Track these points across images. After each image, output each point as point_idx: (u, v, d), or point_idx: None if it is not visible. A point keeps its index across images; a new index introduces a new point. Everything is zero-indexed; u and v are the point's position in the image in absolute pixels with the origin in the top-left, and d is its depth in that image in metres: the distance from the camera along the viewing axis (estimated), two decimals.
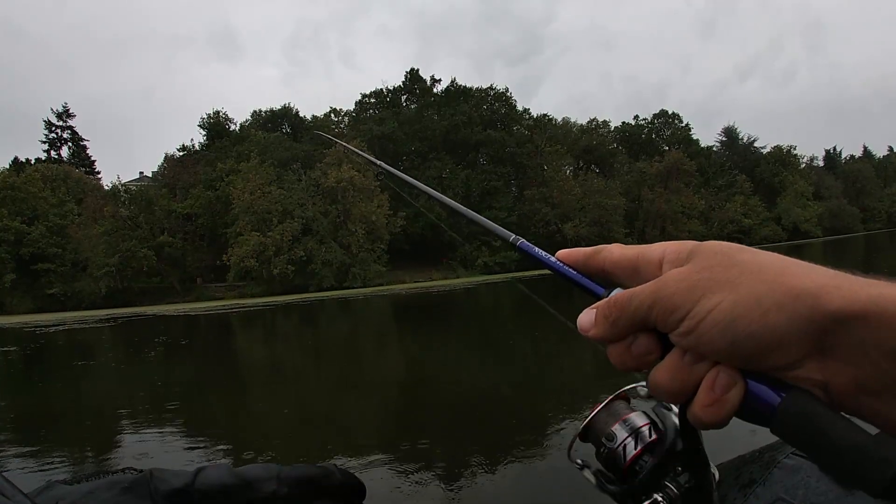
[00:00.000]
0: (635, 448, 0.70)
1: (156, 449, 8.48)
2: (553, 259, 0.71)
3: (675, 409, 0.69)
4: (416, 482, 6.44)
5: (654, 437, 0.70)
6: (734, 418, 0.53)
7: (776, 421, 0.50)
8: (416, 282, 65.90)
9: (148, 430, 9.82)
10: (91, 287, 62.04)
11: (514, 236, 0.85)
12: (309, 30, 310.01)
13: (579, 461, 0.76)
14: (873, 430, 0.47)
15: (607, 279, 0.65)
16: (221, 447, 8.56)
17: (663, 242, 0.62)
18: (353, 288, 62.10)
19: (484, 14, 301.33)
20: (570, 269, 0.68)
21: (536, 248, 0.75)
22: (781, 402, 0.50)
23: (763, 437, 0.60)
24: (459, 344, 18.09)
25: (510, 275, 65.30)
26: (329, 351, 19.31)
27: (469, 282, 58.70)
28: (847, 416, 0.49)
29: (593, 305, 0.62)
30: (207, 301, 60.54)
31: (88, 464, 8.32)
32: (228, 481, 0.75)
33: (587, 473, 0.75)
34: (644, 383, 0.67)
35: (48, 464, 8.07)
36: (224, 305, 51.50)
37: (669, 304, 0.54)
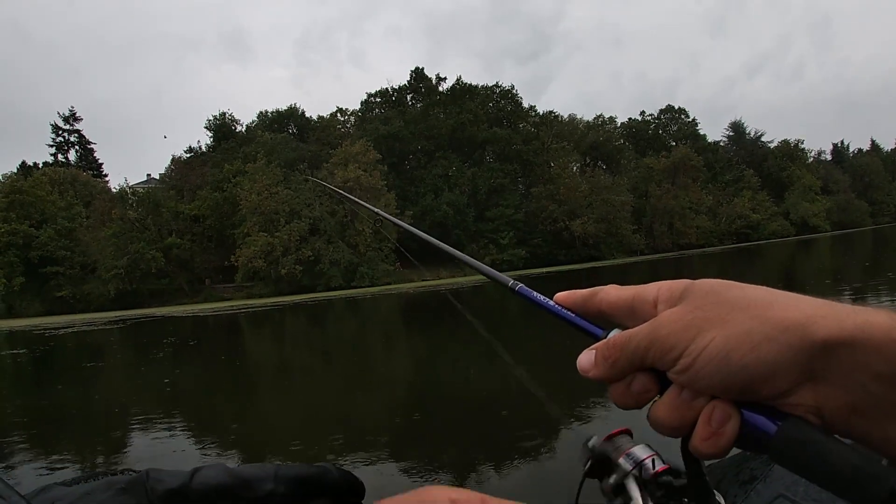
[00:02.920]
0: (640, 481, 0.72)
1: (163, 449, 8.47)
2: (551, 303, 0.72)
3: None
4: (419, 481, 6.40)
5: (657, 467, 0.72)
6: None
7: (773, 448, 0.52)
8: (423, 280, 65.81)
9: (156, 431, 9.81)
10: (100, 289, 62.34)
11: (512, 281, 0.85)
12: (319, 30, 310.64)
13: None
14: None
15: (605, 320, 0.67)
16: (228, 447, 8.54)
17: (657, 283, 0.64)
18: (362, 287, 62.11)
19: (493, 13, 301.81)
20: (569, 312, 0.70)
21: (535, 293, 0.76)
22: (777, 430, 0.52)
23: None
24: (467, 342, 18.03)
25: (517, 272, 65.22)
26: (336, 350, 19.28)
27: (477, 280, 58.40)
28: (840, 438, 0.51)
29: (592, 346, 0.64)
30: (216, 302, 60.67)
31: (95, 465, 8.31)
32: (225, 481, 0.75)
33: None
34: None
35: (55, 465, 8.06)
36: (232, 306, 51.52)
37: (666, 344, 0.56)
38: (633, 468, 0.72)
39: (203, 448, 8.55)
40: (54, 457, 8.57)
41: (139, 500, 0.72)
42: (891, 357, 0.47)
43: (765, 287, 0.56)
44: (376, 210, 1.66)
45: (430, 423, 9.33)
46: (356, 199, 2.14)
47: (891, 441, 0.49)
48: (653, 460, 0.73)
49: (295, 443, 8.63)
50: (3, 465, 8.28)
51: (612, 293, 0.67)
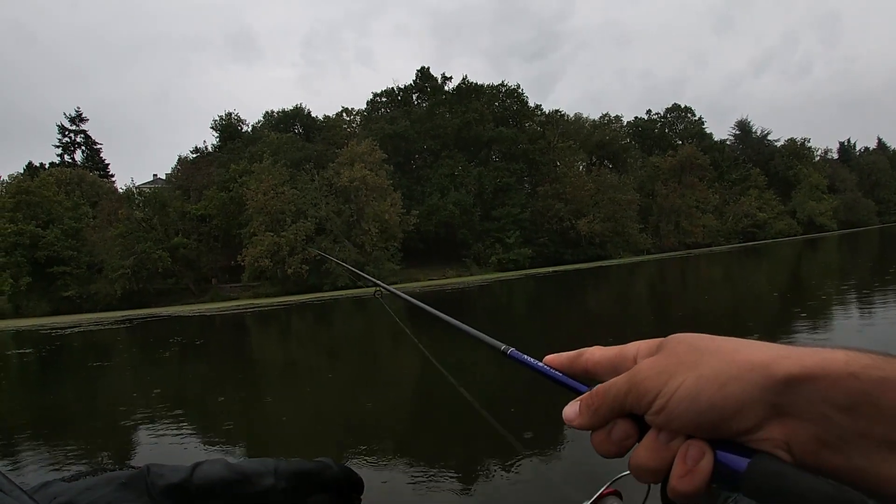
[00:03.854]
0: None
1: (168, 447, 8.46)
2: (541, 364, 0.76)
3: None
4: (421, 478, 6.38)
5: None
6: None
7: (746, 483, 0.54)
8: (429, 280, 65.85)
9: (161, 430, 9.80)
10: (106, 289, 62.46)
11: (504, 346, 0.90)
12: (326, 30, 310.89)
13: None
14: None
15: (590, 379, 0.71)
16: (232, 444, 8.53)
17: (637, 342, 0.68)
18: (368, 287, 62.10)
19: (500, 11, 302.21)
20: (557, 373, 0.74)
21: (525, 356, 0.80)
22: (748, 466, 0.54)
23: None
24: (473, 342, 17.98)
25: (523, 272, 65.18)
26: (342, 349, 19.27)
27: (483, 279, 58.59)
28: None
29: (576, 399, 0.69)
30: (222, 301, 60.75)
31: (100, 462, 8.30)
32: (226, 476, 0.75)
33: None
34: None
35: (60, 463, 8.06)
36: (239, 305, 51.57)
37: (642, 388, 0.60)
38: None
39: (207, 445, 8.54)
40: (59, 455, 8.57)
41: (140, 495, 0.72)
42: (849, 389, 0.51)
43: (734, 338, 0.60)
44: (375, 281, 1.67)
45: (433, 420, 9.31)
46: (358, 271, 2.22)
47: (859, 471, 0.51)
48: None
49: (298, 440, 8.62)
50: (8, 462, 8.29)
51: (595, 353, 0.71)
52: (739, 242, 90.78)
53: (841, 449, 0.52)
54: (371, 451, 7.47)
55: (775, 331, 12.90)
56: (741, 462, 0.55)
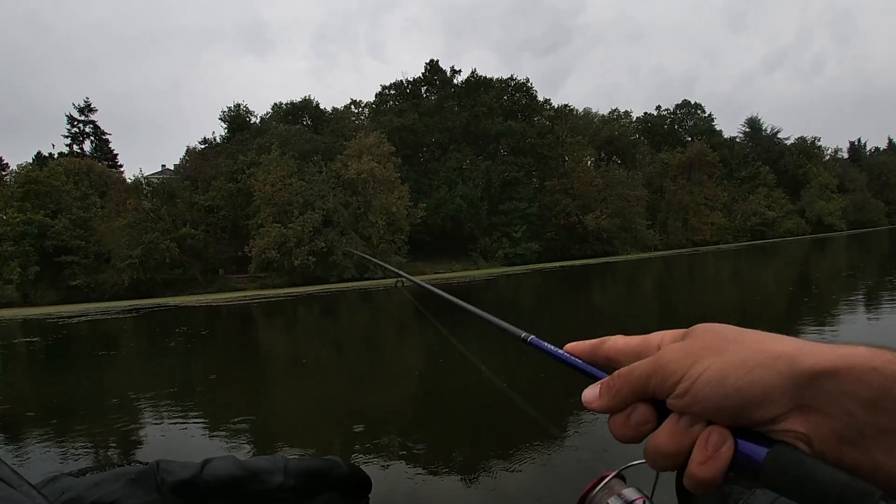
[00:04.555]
0: None
1: (174, 439, 8.46)
2: (561, 352, 0.76)
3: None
4: (428, 475, 6.36)
5: None
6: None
7: (764, 473, 0.54)
8: (436, 273, 65.83)
9: (167, 421, 9.81)
10: (114, 278, 62.58)
11: (524, 333, 0.89)
12: (338, 22, 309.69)
13: None
14: None
15: (611, 366, 0.70)
16: (238, 437, 8.51)
17: (662, 331, 0.68)
18: (374, 279, 62.15)
19: (513, 5, 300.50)
20: (578, 360, 0.73)
21: (546, 344, 0.80)
22: (767, 455, 0.54)
23: None
24: (479, 335, 17.99)
25: (530, 266, 65.13)
26: (348, 342, 19.28)
27: (489, 273, 58.57)
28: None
29: (597, 382, 0.68)
30: (229, 292, 60.78)
31: (106, 453, 8.30)
32: (235, 473, 0.75)
33: None
34: (641, 460, 0.71)
35: (66, 453, 8.06)
36: (246, 296, 51.64)
37: (667, 370, 0.59)
38: None
39: (214, 438, 8.53)
40: (65, 446, 8.56)
41: (149, 491, 0.73)
42: (872, 384, 0.50)
43: (759, 330, 0.59)
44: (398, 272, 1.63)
45: (441, 416, 9.29)
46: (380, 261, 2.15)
47: (879, 467, 0.51)
48: (644, 502, 0.75)
49: (305, 434, 8.61)
50: (15, 453, 8.29)
51: (619, 342, 0.71)
52: (748, 241, 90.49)
53: (861, 444, 0.52)
54: (378, 446, 7.45)
55: (783, 330, 12.84)
56: (761, 451, 0.55)
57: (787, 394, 0.53)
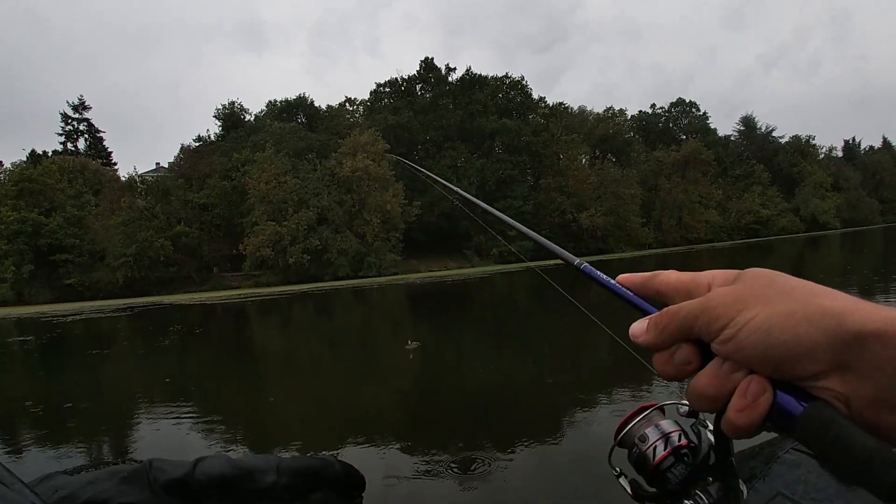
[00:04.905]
0: (664, 449, 0.79)
1: (168, 437, 8.47)
2: (613, 282, 0.76)
3: (711, 425, 0.77)
4: (423, 474, 6.38)
5: (682, 441, 0.79)
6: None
7: (798, 427, 0.54)
8: (430, 271, 65.86)
9: (161, 419, 9.81)
10: (108, 277, 62.53)
11: (577, 260, 0.90)
12: (335, 19, 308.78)
13: (616, 469, 0.83)
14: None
15: (661, 301, 0.70)
16: (232, 436, 8.53)
17: (713, 270, 0.68)
18: (369, 277, 62.18)
19: (510, 2, 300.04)
20: (628, 292, 0.74)
21: (599, 273, 0.81)
22: (804, 410, 0.54)
23: (763, 434, 0.59)
24: (474, 334, 18.03)
25: (526, 264, 65.23)
26: (343, 340, 19.29)
27: (484, 271, 58.65)
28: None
29: (645, 317, 0.69)
30: (224, 290, 60.80)
31: (100, 452, 8.31)
32: (228, 472, 0.75)
33: (623, 482, 0.83)
34: (684, 401, 0.77)
35: (60, 452, 8.06)
36: (240, 294, 51.66)
37: (714, 314, 0.59)
38: (660, 438, 0.80)
39: (208, 436, 8.53)
40: (59, 444, 8.57)
41: (142, 489, 0.72)
42: None
43: (811, 282, 0.59)
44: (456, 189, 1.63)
45: (436, 413, 9.31)
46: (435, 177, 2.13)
47: None
48: (679, 435, 0.80)
49: (300, 432, 8.62)
50: (8, 451, 8.29)
51: (671, 276, 0.71)
52: (742, 239, 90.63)
53: None
54: (372, 444, 7.48)
55: None
56: (798, 406, 0.55)
57: (830, 352, 0.53)
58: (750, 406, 0.57)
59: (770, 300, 0.58)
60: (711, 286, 0.66)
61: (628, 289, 0.74)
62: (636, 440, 0.83)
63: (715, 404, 0.61)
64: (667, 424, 0.81)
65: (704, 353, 0.62)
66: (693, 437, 0.81)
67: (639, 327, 0.68)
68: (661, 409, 0.86)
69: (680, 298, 0.67)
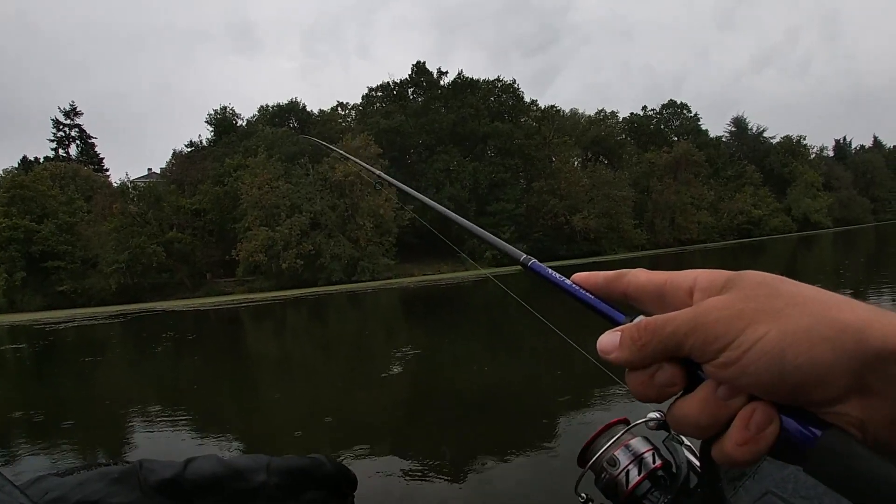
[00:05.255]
0: (638, 474, 0.70)
1: (161, 442, 8.45)
2: (568, 282, 0.66)
3: (687, 441, 0.72)
4: (415, 475, 6.38)
5: (657, 462, 0.70)
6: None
7: (811, 459, 0.47)
8: (424, 275, 65.84)
9: (154, 425, 9.79)
10: (101, 283, 62.36)
11: (524, 256, 0.78)
12: (327, 21, 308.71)
13: (583, 495, 0.78)
14: None
15: (628, 305, 0.61)
16: (227, 440, 8.51)
17: (694, 270, 0.58)
18: (362, 281, 62.12)
19: (502, 4, 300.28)
20: (588, 294, 0.63)
21: (549, 270, 0.70)
22: (818, 440, 0.47)
23: None
24: (467, 337, 18.01)
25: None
26: (337, 344, 19.28)
27: (477, 275, 58.61)
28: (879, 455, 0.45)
29: (617, 328, 0.57)
30: (217, 296, 60.72)
31: (92, 455, 8.28)
32: (218, 471, 0.75)
33: None
34: (656, 414, 0.68)
35: (54, 458, 8.04)
36: (233, 300, 51.57)
37: (711, 333, 0.50)
38: (632, 461, 0.71)
39: (201, 441, 8.52)
40: (52, 450, 8.55)
41: (132, 490, 0.72)
42: None
43: (816, 286, 0.51)
44: (378, 172, 1.59)
45: (429, 416, 9.30)
46: (355, 159, 2.06)
47: None
48: (652, 455, 0.72)
49: (294, 435, 8.60)
50: (2, 457, 8.26)
51: (641, 276, 0.62)
52: (734, 239, 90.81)
53: None
54: (364, 446, 7.46)
55: None
56: (810, 435, 0.47)
57: (850, 375, 0.45)
58: (754, 439, 0.49)
59: (779, 315, 0.48)
60: (694, 291, 0.56)
61: (588, 290, 0.64)
62: (605, 464, 0.74)
63: (706, 433, 0.53)
64: (638, 444, 0.72)
65: (691, 372, 0.54)
66: (668, 456, 0.72)
67: (609, 342, 0.57)
68: (627, 421, 0.77)
69: (651, 303, 0.59)
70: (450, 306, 30.15)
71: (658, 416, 0.69)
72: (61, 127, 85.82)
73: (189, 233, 68.29)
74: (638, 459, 0.70)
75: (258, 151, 68.87)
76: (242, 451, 7.90)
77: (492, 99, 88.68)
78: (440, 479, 6.23)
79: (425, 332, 20.32)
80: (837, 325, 0.46)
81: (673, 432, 0.71)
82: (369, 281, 62.33)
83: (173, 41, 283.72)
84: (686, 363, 0.53)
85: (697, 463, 0.71)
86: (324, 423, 9.26)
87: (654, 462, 0.70)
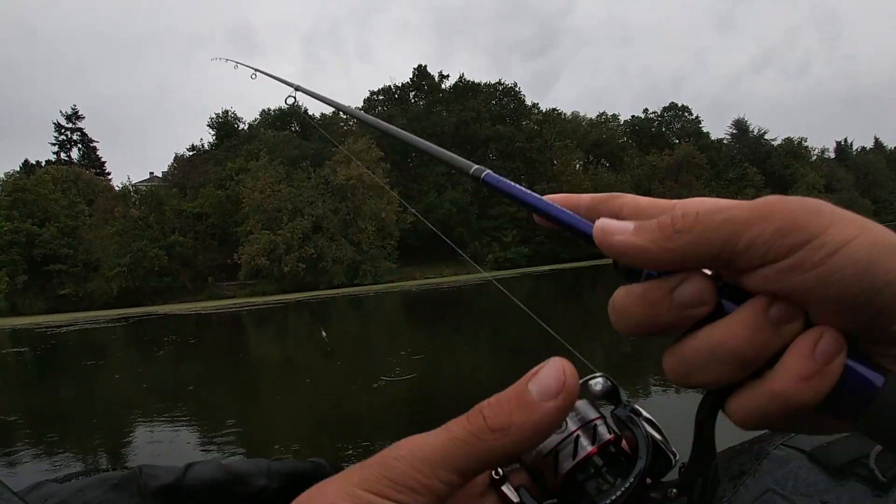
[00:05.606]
0: (591, 445, 0.49)
1: (162, 447, 8.45)
2: (535, 195, 0.55)
3: (645, 413, 0.53)
4: None
5: (611, 435, 0.50)
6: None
7: (871, 410, 0.35)
8: (426, 278, 65.86)
9: (155, 429, 9.78)
10: (103, 287, 62.35)
11: (476, 167, 0.65)
12: (327, 25, 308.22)
13: (499, 472, 0.49)
14: None
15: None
16: (228, 444, 8.50)
17: (701, 199, 0.43)
18: (364, 285, 62.14)
19: (502, 8, 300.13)
20: (559, 207, 0.53)
21: (509, 182, 0.58)
22: (886, 382, 0.35)
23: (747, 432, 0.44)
24: (470, 341, 18.01)
25: (520, 270, 65.17)
26: (339, 348, 19.28)
27: (480, 278, 58.66)
28: None
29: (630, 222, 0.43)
30: (219, 300, 60.74)
31: (94, 460, 8.28)
32: (218, 476, 0.75)
33: (507, 490, 0.49)
34: (599, 377, 0.54)
35: (54, 462, 8.03)
36: (235, 304, 51.58)
37: (787, 223, 0.35)
38: (580, 427, 0.50)
39: (203, 445, 8.51)
40: (53, 454, 8.55)
41: (132, 495, 0.72)
42: None
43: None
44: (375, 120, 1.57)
45: (431, 419, 9.29)
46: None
47: None
48: (605, 425, 0.51)
49: (294, 439, 8.60)
50: (2, 462, 8.26)
51: (640, 200, 0.50)
52: None
53: None
54: (367, 450, 7.44)
55: None
56: (875, 379, 0.35)
57: None
58: (821, 372, 0.35)
59: (862, 223, 0.35)
60: (700, 216, 0.39)
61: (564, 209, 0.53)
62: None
63: (743, 371, 0.38)
64: (585, 408, 0.50)
65: (724, 293, 0.39)
66: (616, 430, 0.51)
67: (617, 224, 0.43)
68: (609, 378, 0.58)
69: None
70: (452, 310, 30.16)
71: (603, 380, 0.55)
72: (63, 130, 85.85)
73: (191, 236, 68.28)
74: (588, 426, 0.49)
75: (260, 155, 68.85)
76: (243, 456, 7.90)
77: (493, 102, 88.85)
78: None
79: (428, 335, 20.31)
80: None
81: (628, 400, 0.54)
82: (371, 284, 62.35)
83: (174, 45, 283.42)
84: (718, 281, 0.40)
85: (661, 438, 0.51)
86: (325, 426, 9.26)
87: (608, 433, 0.50)
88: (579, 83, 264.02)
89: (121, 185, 77.55)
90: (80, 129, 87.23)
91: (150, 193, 70.51)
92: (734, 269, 0.38)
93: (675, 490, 0.48)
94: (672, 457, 0.49)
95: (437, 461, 0.39)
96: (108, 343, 27.21)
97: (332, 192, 67.31)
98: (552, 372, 0.43)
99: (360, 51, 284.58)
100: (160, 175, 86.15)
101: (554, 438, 0.49)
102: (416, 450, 0.40)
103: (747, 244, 0.36)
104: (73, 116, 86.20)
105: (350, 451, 7.44)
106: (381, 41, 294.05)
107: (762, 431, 0.52)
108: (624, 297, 0.41)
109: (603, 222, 0.43)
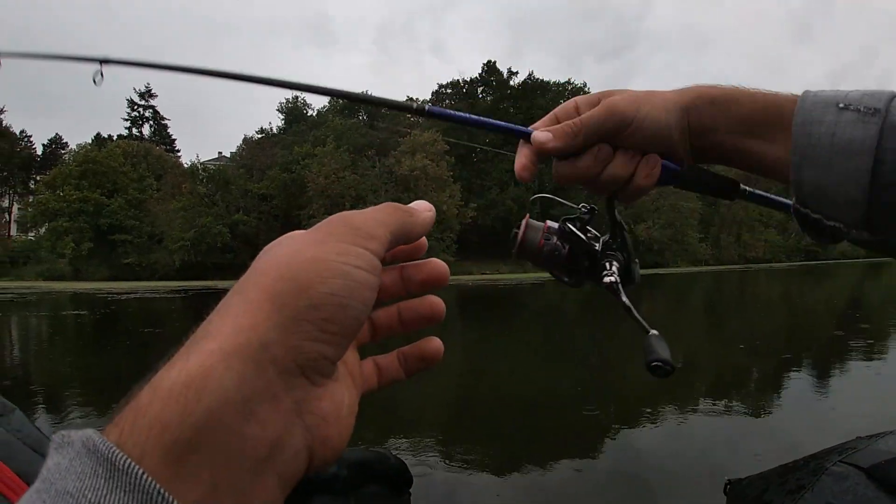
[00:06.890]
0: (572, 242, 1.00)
1: None
2: (477, 117, 1.04)
3: (572, 227, 1.00)
4: (465, 475, 6.23)
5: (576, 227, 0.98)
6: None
7: (682, 177, 0.87)
8: (483, 274, 65.62)
9: None
10: (165, 259, 63.34)
11: (417, 104, 1.09)
12: (401, 19, 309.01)
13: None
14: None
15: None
16: None
17: (574, 98, 0.96)
18: None
19: (578, 8, 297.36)
20: (491, 119, 1.00)
21: (451, 111, 1.01)
22: (681, 166, 0.86)
23: (809, 447, 0.52)
24: (523, 340, 17.79)
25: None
26: (390, 340, 19.18)
27: (538, 278, 58.17)
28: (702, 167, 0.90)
29: (542, 129, 0.91)
30: None
31: None
32: None
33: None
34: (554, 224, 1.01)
35: (102, 425, 8.06)
36: None
37: (621, 115, 0.83)
38: (557, 237, 1.04)
39: None
40: (103, 416, 8.57)
41: None
42: (713, 112, 0.80)
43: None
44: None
45: (477, 415, 9.14)
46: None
47: (738, 151, 0.81)
48: (566, 224, 1.02)
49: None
50: (56, 423, 8.32)
51: (592, 98, 0.93)
52: (800, 261, 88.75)
53: (714, 135, 0.81)
54: (411, 442, 7.33)
55: (825, 354, 12.54)
56: (676, 166, 0.85)
57: (680, 126, 0.82)
58: (651, 174, 0.84)
59: (648, 100, 0.83)
60: (578, 106, 0.91)
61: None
62: (544, 237, 0.98)
63: (620, 183, 0.86)
64: (552, 223, 1.01)
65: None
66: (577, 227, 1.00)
67: (544, 135, 0.88)
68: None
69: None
70: (506, 307, 29.92)
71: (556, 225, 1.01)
72: (136, 107, 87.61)
73: (254, 216, 68.91)
74: (564, 234, 0.98)
75: (327, 141, 69.33)
76: None
77: (561, 101, 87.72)
78: (490, 481, 6.10)
79: (479, 332, 20.14)
80: (671, 100, 0.83)
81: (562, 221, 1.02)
82: None
83: (251, 32, 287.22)
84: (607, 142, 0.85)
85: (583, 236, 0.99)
86: (370, 416, 9.15)
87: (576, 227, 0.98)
88: (654, 86, 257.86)
89: (189, 163, 78.97)
90: (153, 107, 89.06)
91: (218, 172, 71.40)
92: (615, 141, 0.85)
93: (614, 246, 0.98)
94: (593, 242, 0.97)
95: (386, 221, 0.56)
96: (167, 313, 27.59)
97: (396, 182, 67.38)
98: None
99: (432, 44, 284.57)
100: (228, 155, 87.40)
101: (550, 244, 0.99)
102: (366, 215, 0.56)
103: (606, 130, 0.84)
104: (147, 94, 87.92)
105: (393, 441, 7.33)
106: (453, 36, 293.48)
107: (819, 449, 0.60)
108: (569, 165, 0.89)
109: (536, 137, 0.89)
